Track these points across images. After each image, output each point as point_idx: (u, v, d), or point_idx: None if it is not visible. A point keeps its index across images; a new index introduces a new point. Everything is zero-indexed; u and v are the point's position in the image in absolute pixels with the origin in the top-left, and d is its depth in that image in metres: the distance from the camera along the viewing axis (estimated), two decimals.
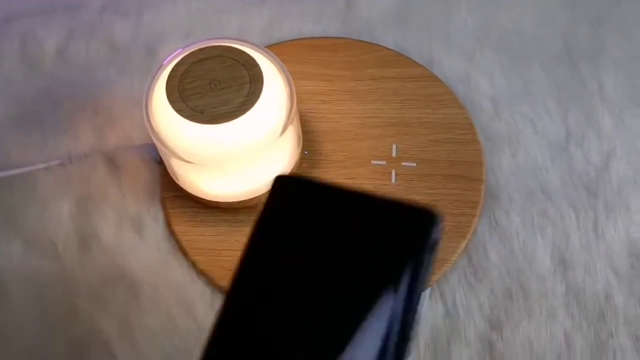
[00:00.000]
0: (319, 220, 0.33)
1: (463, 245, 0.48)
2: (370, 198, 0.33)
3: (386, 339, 0.30)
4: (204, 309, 0.47)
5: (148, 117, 0.44)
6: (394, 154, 0.51)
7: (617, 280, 0.47)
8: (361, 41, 0.56)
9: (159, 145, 0.44)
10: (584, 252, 0.48)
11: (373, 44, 0.56)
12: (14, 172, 0.51)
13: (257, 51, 0.46)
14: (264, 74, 0.44)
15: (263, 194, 0.48)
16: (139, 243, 0.49)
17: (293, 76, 0.47)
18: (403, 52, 0.56)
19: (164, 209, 0.50)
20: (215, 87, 0.43)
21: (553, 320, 0.46)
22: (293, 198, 0.34)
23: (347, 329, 0.30)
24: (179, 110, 0.43)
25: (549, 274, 0.47)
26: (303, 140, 0.51)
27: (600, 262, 0.48)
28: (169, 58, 0.46)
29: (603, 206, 0.49)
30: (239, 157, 0.44)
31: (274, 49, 0.55)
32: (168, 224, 0.50)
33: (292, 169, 0.49)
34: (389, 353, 0.30)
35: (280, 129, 0.44)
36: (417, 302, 0.32)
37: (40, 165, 0.51)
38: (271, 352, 0.30)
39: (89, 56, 0.56)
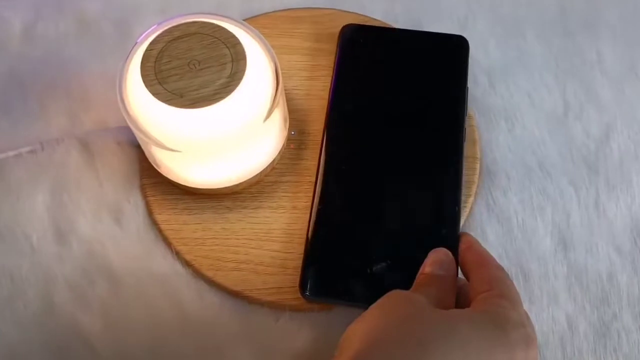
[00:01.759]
0: (386, 54, 0.50)
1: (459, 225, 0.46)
2: (416, 32, 0.50)
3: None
4: (189, 300, 0.45)
5: (123, 102, 0.41)
6: None
7: (619, 259, 0.45)
8: (348, 11, 0.53)
9: (136, 133, 0.41)
10: (585, 231, 0.46)
11: (360, 14, 0.53)
12: None
13: (238, 27, 0.43)
14: (246, 52, 0.41)
15: (249, 179, 0.45)
16: (118, 233, 0.46)
17: (276, 51, 0.44)
18: (392, 22, 0.53)
19: (144, 196, 0.47)
20: (195, 68, 0.40)
21: (555, 303, 0.44)
22: (359, 41, 0.50)
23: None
24: (156, 94, 0.40)
25: (549, 254, 0.46)
26: (289, 120, 0.48)
27: (602, 240, 0.46)
28: (142, 36, 0.43)
29: (604, 182, 0.47)
30: (223, 143, 0.41)
31: (255, 21, 0.53)
32: (149, 213, 0.47)
33: (279, 150, 0.47)
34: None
35: (266, 111, 0.42)
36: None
37: (10, 153, 0.48)
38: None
39: (58, 34, 0.53)
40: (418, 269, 0.42)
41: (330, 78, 0.50)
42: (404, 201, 0.45)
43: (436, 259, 0.41)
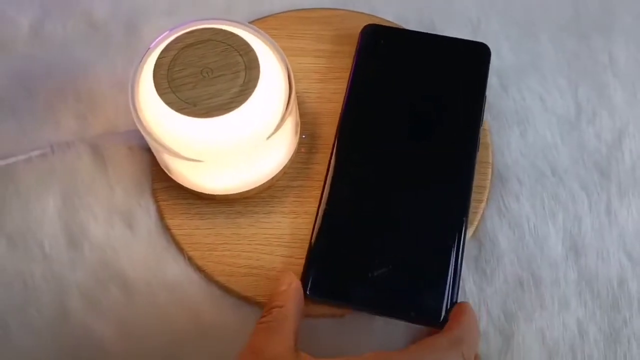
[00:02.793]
0: (405, 58, 0.49)
1: (471, 231, 0.46)
2: (438, 37, 0.50)
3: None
4: (202, 306, 0.45)
5: (136, 110, 0.41)
6: None
7: (630, 265, 0.45)
8: (358, 12, 0.53)
9: (150, 141, 0.41)
10: (596, 236, 0.46)
11: (371, 15, 0.53)
12: None
13: (251, 33, 0.43)
14: (259, 60, 0.40)
15: (261, 185, 0.45)
16: (130, 238, 0.46)
17: (286, 53, 0.43)
18: (403, 23, 0.52)
19: (156, 201, 0.47)
20: (208, 76, 0.40)
21: (565, 309, 0.44)
22: (379, 42, 0.49)
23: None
24: (169, 103, 0.39)
25: (560, 260, 0.46)
26: (300, 123, 0.48)
27: (613, 246, 0.46)
28: (154, 42, 0.42)
29: (616, 187, 0.47)
30: (237, 151, 0.41)
31: (264, 22, 0.52)
32: (161, 217, 0.47)
33: (291, 155, 0.47)
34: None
35: (279, 118, 0.41)
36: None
37: (20, 157, 0.48)
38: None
39: (66, 35, 0.52)
40: (419, 276, 0.42)
41: (342, 80, 0.49)
42: (410, 208, 0.45)
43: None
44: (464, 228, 0.44)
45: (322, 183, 0.47)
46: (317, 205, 0.46)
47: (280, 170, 0.46)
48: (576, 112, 0.50)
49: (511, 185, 0.47)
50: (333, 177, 0.46)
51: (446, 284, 0.42)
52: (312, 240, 0.44)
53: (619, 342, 0.44)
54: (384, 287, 0.42)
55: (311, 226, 0.46)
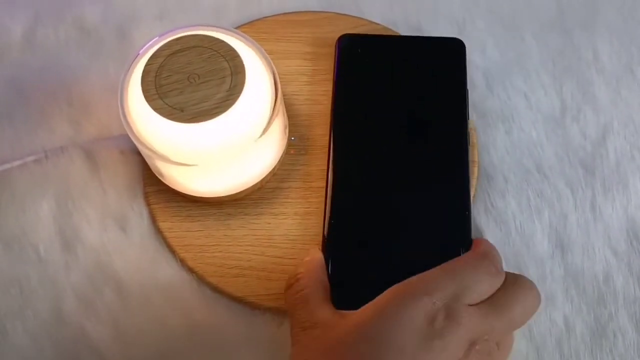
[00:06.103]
0: (384, 62, 0.49)
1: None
2: (412, 38, 0.51)
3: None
4: (194, 307, 0.46)
5: (125, 116, 0.42)
6: None
7: (616, 260, 0.46)
8: (345, 15, 0.53)
9: (140, 147, 0.42)
10: (582, 233, 0.47)
11: (358, 17, 0.53)
12: None
13: (237, 39, 0.43)
14: (245, 65, 0.41)
15: (251, 187, 0.46)
16: (123, 241, 0.47)
17: (275, 56, 0.44)
18: (390, 25, 0.53)
19: (148, 204, 0.48)
20: (195, 82, 0.41)
21: (552, 305, 0.45)
22: (357, 51, 0.50)
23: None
24: (157, 109, 0.40)
25: (547, 257, 0.46)
26: (289, 126, 0.49)
27: (598, 242, 0.47)
28: (143, 48, 0.43)
29: (600, 184, 0.48)
30: (225, 155, 0.41)
31: (253, 26, 0.53)
32: (153, 220, 0.48)
33: (280, 157, 0.47)
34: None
35: (266, 122, 0.42)
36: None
37: (15, 163, 0.49)
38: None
39: (58, 41, 0.53)
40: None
41: (330, 82, 0.50)
42: (415, 209, 0.45)
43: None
44: (468, 221, 0.44)
45: (311, 184, 0.47)
46: (309, 209, 0.47)
47: (270, 172, 0.47)
48: (561, 109, 0.50)
49: (497, 183, 0.48)
50: (333, 192, 0.46)
51: None
52: (327, 254, 0.44)
53: (605, 337, 0.44)
54: None
55: (301, 227, 0.47)
